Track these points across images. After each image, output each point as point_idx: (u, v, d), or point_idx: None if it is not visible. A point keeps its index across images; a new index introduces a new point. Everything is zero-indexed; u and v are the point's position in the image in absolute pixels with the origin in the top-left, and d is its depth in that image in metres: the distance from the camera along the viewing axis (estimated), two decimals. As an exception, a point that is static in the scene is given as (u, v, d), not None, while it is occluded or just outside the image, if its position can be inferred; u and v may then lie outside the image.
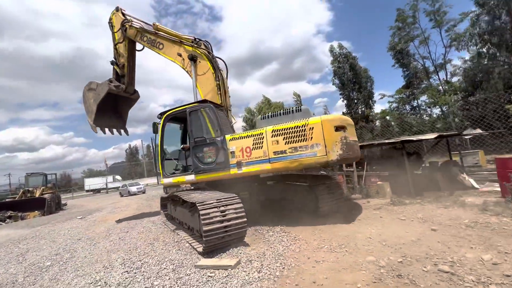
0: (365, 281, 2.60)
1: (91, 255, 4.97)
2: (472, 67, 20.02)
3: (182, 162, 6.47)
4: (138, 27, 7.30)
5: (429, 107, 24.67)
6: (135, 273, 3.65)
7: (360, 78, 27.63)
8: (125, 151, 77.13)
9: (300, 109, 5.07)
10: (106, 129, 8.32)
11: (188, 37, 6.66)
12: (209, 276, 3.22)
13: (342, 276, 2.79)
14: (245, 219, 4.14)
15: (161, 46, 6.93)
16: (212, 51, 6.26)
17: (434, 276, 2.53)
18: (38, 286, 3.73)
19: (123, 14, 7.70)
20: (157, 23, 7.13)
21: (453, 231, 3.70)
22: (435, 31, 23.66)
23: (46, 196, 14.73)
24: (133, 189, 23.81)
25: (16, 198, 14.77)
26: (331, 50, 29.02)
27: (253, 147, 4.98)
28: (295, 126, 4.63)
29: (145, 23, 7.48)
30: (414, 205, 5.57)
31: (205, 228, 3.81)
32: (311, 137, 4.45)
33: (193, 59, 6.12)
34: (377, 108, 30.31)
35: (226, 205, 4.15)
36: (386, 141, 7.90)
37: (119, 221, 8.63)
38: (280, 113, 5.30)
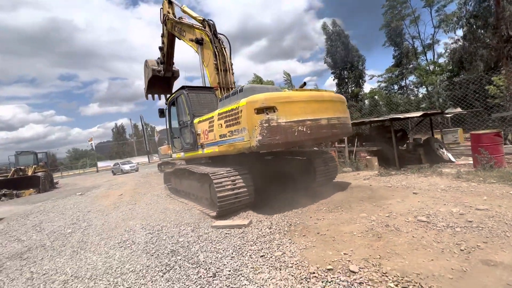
0: (359, 230, 3.20)
1: (107, 223, 5.37)
2: (457, 49, 20.69)
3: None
4: (172, 18, 7.62)
5: (416, 87, 25.60)
6: (158, 233, 4.13)
7: (352, 57, 27.78)
8: (112, 130, 75.09)
9: (242, 89, 4.50)
10: (156, 96, 10.25)
11: (199, 18, 6.65)
12: (226, 233, 3.74)
13: (340, 228, 3.38)
14: (253, 187, 4.64)
15: (184, 33, 7.09)
16: (216, 30, 6.34)
17: (414, 224, 3.16)
18: (69, 247, 4.14)
19: (169, 2, 8.00)
20: (184, 6, 7.36)
21: (431, 194, 4.38)
22: (425, 11, 23.88)
23: (39, 174, 14.73)
24: (126, 167, 23.99)
25: (8, 177, 14.65)
26: (324, 27, 28.68)
27: (209, 130, 5.03)
28: (230, 109, 4.30)
29: (179, 6, 7.67)
30: (399, 176, 6.27)
31: (219, 195, 4.28)
32: (240, 121, 4.08)
33: (198, 42, 6.25)
34: (367, 87, 30.91)
35: (236, 175, 4.61)
36: (376, 119, 8.47)
37: (122, 195, 9.01)
38: (230, 94, 4.82)
